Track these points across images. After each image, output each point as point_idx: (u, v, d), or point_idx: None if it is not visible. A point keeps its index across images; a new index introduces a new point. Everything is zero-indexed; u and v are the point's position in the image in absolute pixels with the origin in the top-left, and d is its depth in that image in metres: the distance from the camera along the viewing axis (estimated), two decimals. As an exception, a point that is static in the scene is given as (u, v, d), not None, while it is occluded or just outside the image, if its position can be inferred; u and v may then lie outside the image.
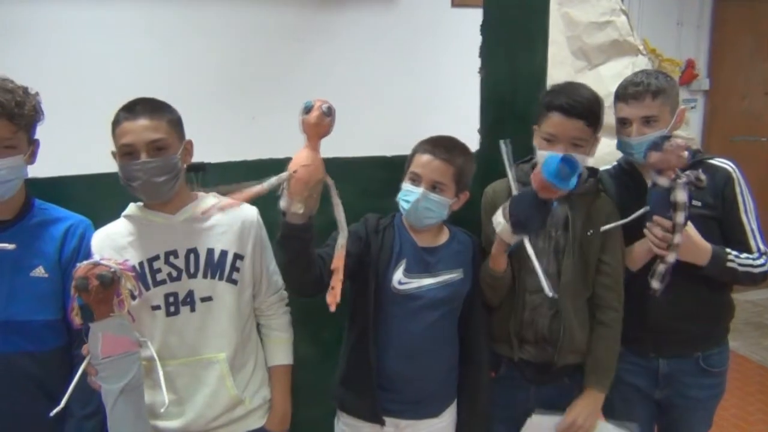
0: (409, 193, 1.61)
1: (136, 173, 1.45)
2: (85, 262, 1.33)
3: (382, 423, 1.65)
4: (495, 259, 1.62)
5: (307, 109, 1.35)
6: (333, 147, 1.45)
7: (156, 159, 1.46)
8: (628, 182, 1.82)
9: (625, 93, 1.70)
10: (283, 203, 1.39)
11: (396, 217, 1.71)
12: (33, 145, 1.52)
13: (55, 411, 1.34)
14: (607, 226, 1.67)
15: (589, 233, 1.69)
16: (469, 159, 1.65)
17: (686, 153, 1.51)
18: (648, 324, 1.76)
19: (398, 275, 1.62)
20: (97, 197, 1.67)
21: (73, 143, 2.21)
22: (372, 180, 1.78)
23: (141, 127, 1.46)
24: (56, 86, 1.89)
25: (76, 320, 1.34)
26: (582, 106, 1.62)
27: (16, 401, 1.49)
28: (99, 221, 1.59)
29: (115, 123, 1.49)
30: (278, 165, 1.39)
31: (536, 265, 1.52)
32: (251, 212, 1.62)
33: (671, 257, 1.58)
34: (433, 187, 1.59)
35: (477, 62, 1.91)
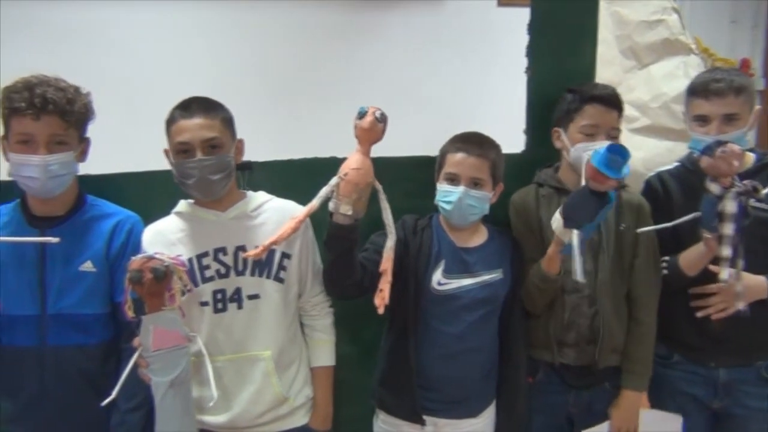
0: (448, 194, 1.60)
1: (192, 171, 1.48)
2: (139, 256, 1.37)
3: (423, 423, 1.65)
4: (551, 261, 1.58)
5: (361, 115, 1.40)
6: (378, 146, 1.46)
7: (211, 157, 1.49)
8: (695, 183, 1.69)
9: (706, 89, 1.64)
10: (332, 205, 1.43)
11: (434, 218, 1.70)
12: (84, 143, 1.56)
13: (106, 401, 1.38)
14: (646, 229, 1.62)
15: (621, 227, 1.66)
16: (499, 151, 1.66)
17: (737, 163, 1.43)
18: (708, 332, 1.70)
19: (437, 276, 1.62)
20: (148, 195, 1.71)
21: (127, 141, 2.27)
22: (416, 180, 1.78)
23: (197, 126, 1.48)
24: (109, 86, 1.95)
25: (129, 313, 1.36)
26: (616, 97, 1.67)
27: (66, 392, 1.54)
28: (149, 218, 1.62)
29: (171, 121, 1.51)
30: (323, 164, 1.41)
31: (575, 252, 1.44)
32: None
33: (723, 274, 1.48)
34: (474, 183, 1.59)
35: (524, 62, 1.89)
